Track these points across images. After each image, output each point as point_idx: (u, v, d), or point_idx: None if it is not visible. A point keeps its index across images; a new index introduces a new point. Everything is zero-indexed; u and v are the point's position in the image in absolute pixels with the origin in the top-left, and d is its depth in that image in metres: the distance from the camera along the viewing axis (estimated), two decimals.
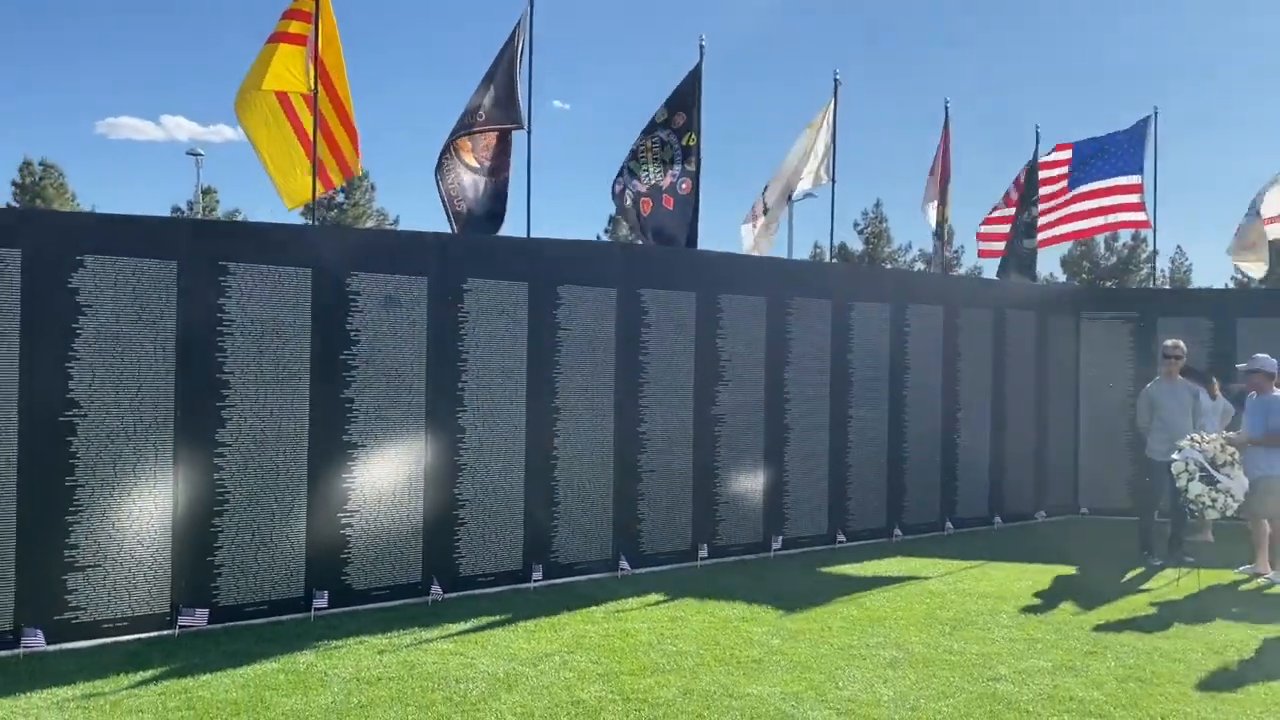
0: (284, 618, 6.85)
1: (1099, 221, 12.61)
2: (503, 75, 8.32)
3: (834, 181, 10.94)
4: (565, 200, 62.02)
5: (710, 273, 9.14)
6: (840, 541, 9.88)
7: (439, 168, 8.41)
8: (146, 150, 63.99)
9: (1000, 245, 12.83)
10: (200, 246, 6.65)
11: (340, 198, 44.47)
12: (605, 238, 44.05)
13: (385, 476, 7.26)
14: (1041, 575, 8.78)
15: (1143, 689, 5.70)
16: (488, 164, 8.47)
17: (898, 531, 10.34)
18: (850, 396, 10.05)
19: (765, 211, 11.46)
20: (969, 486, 11.06)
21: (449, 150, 8.33)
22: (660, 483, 8.69)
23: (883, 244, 49.79)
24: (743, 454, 9.21)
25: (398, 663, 5.98)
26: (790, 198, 11.37)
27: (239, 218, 44.55)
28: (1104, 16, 68.56)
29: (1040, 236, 12.52)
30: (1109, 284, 47.94)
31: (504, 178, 8.54)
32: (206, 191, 43.43)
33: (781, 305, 9.53)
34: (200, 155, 42.00)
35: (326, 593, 7.01)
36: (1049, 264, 42.96)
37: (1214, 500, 8.00)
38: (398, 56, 65.73)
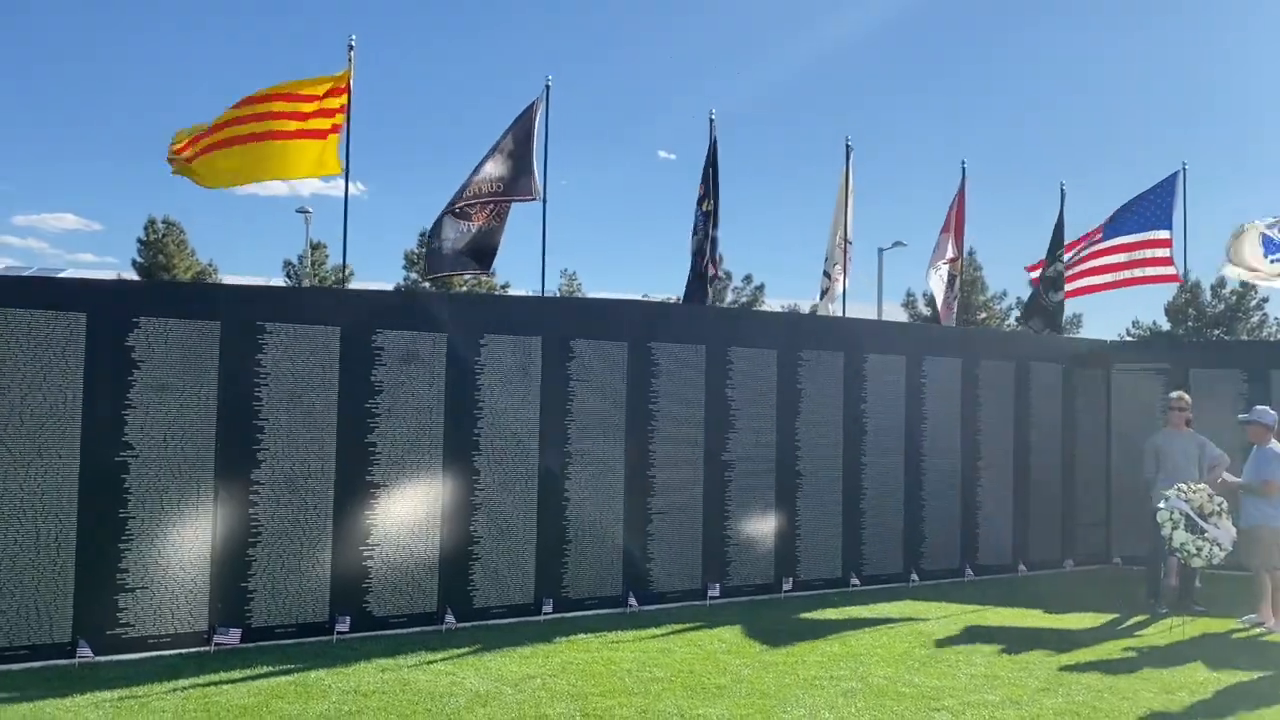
0: (309, 639, 7.65)
1: (1125, 275, 12.78)
2: (522, 149, 9.19)
3: (849, 243, 11.47)
4: (662, 249, 63.27)
5: (719, 327, 9.77)
6: (854, 585, 10.27)
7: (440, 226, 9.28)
8: (270, 205, 68.01)
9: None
10: (237, 309, 7.61)
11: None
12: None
13: (404, 513, 8.04)
14: (1039, 620, 9.04)
15: None
16: (482, 224, 9.34)
17: (914, 577, 10.66)
18: (864, 444, 10.49)
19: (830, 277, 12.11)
20: (990, 534, 11.31)
21: (456, 212, 9.19)
22: (671, 524, 9.27)
23: (977, 292, 49.52)
24: (752, 498, 9.73)
25: (395, 679, 6.70)
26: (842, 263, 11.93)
27: (347, 272, 46.99)
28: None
29: (1069, 287, 12.77)
30: (1216, 333, 46.60)
31: (494, 230, 9.36)
32: (316, 247, 45.83)
33: (793, 357, 10.08)
34: (309, 213, 44.37)
35: (348, 618, 7.79)
36: (1153, 312, 41.91)
37: (1199, 549, 8.19)
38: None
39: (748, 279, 47.84)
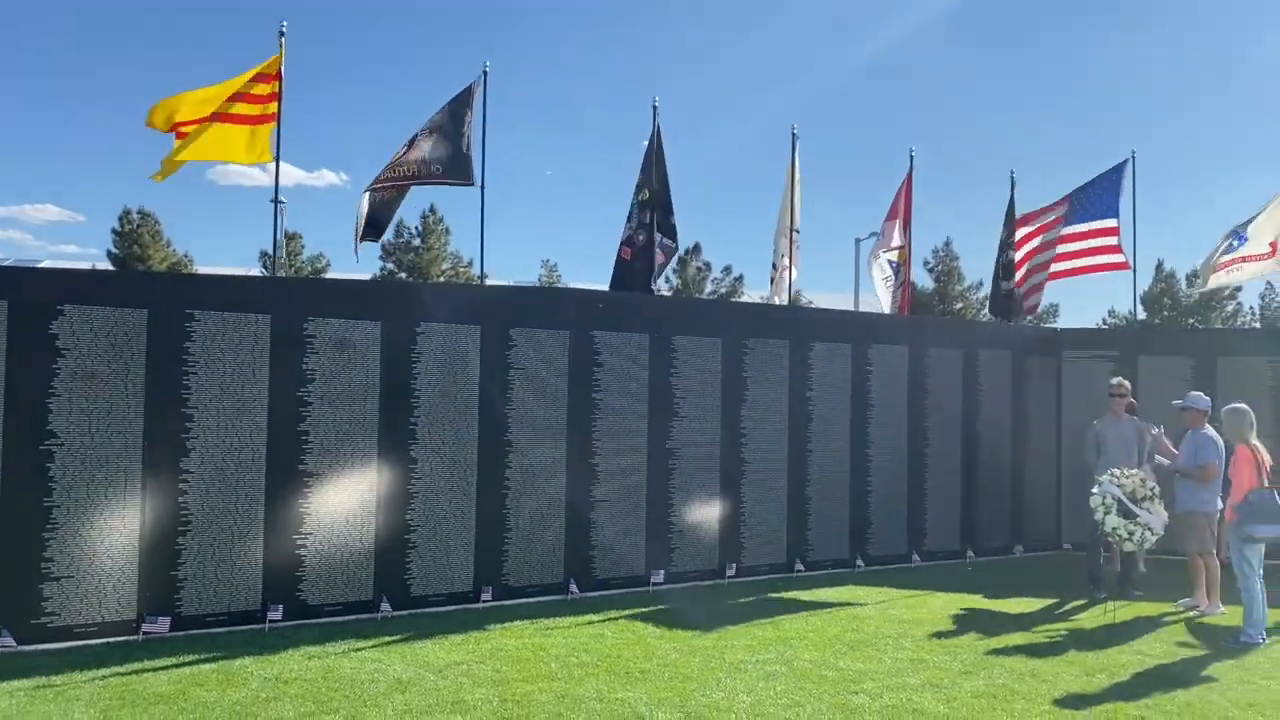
0: (241, 628, 7.64)
1: (1077, 264, 12.84)
2: (458, 134, 9.15)
3: (796, 231, 11.50)
4: None
5: (663, 316, 9.78)
6: (799, 571, 10.31)
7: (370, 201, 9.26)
8: (250, 196, 67.63)
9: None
10: (166, 296, 7.57)
11: (416, 241, 46.46)
12: (674, 279, 44.99)
13: (338, 501, 8.03)
14: (978, 605, 9.11)
15: (991, 704, 6.08)
16: (384, 197, 9.33)
17: (860, 562, 10.72)
18: (810, 431, 10.52)
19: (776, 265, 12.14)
20: (938, 520, 11.37)
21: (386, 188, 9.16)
22: (613, 511, 9.29)
23: (954, 282, 49.63)
24: (696, 486, 9.76)
25: (319, 667, 6.70)
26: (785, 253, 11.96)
27: (322, 263, 46.85)
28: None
29: (1031, 280, 12.84)
30: (1191, 321, 46.90)
31: (391, 202, 9.38)
32: (291, 237, 45.57)
33: (738, 345, 10.10)
34: (283, 203, 44.03)
35: (281, 606, 7.78)
36: (1128, 301, 42.12)
37: (1131, 533, 8.26)
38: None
39: (727, 270, 47.95)
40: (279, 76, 8.33)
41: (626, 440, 9.39)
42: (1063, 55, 68.05)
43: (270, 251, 45.95)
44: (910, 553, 11.13)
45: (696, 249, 47.64)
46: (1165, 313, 46.78)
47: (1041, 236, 12.81)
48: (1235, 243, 12.87)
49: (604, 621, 8.17)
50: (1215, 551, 8.82)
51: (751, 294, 42.80)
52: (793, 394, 10.45)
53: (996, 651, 7.37)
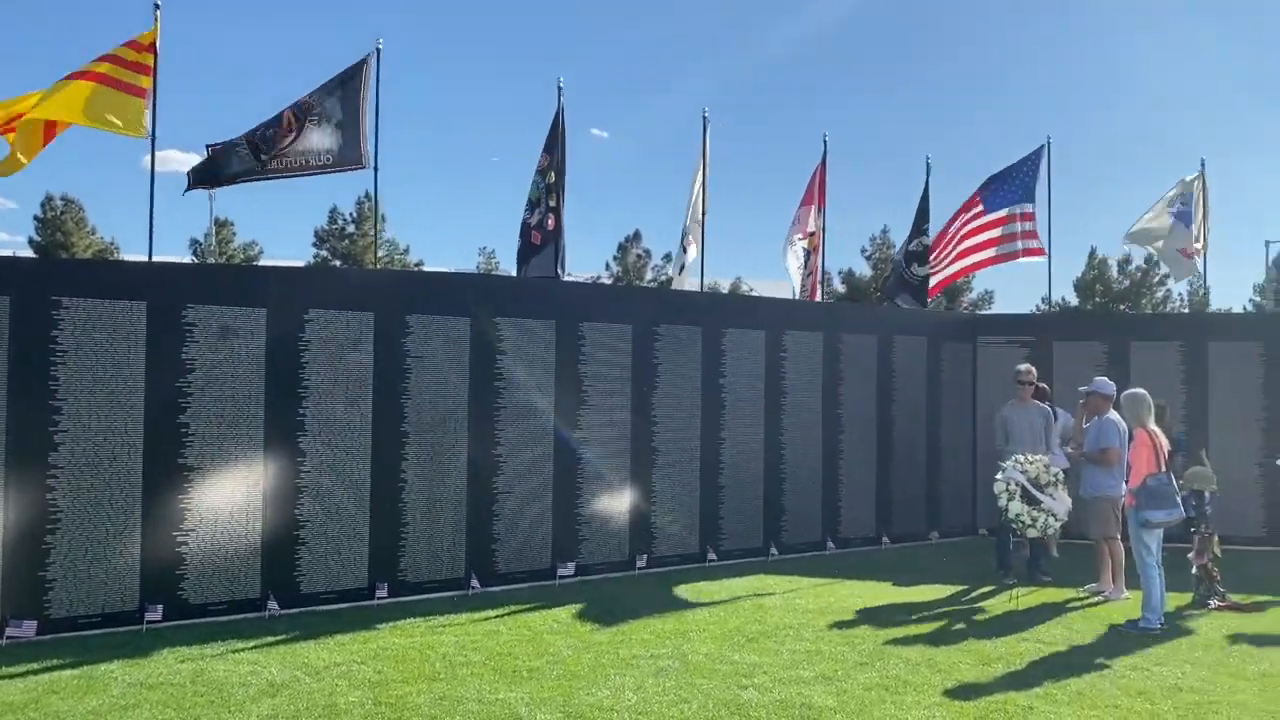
0: (117, 630, 7.29)
1: (993, 252, 12.83)
2: (351, 117, 8.83)
3: (705, 214, 11.35)
4: (587, 228, 62.89)
5: (571, 302, 9.54)
6: (711, 560, 10.16)
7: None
8: (180, 183, 66.02)
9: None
10: (30, 284, 7.17)
11: (350, 228, 45.63)
12: (614, 266, 44.73)
13: (222, 496, 7.70)
14: (886, 593, 9.03)
15: (881, 696, 5.96)
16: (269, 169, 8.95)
17: (774, 551, 10.61)
18: (723, 419, 10.37)
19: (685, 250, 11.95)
20: (853, 507, 11.31)
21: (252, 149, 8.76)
22: (517, 503, 9.05)
23: (887, 269, 50.02)
24: (606, 476, 9.55)
25: (190, 670, 6.39)
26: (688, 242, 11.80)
27: (255, 250, 45.83)
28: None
29: (952, 268, 12.82)
30: (1123, 307, 47.74)
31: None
32: (222, 225, 44.51)
33: (649, 332, 9.89)
34: (212, 191, 42.97)
35: (160, 606, 7.44)
36: (1061, 288, 42.73)
37: (1034, 519, 8.22)
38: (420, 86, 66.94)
39: (668, 257, 47.72)
40: (153, 49, 7.92)
41: (532, 430, 9.15)
42: (981, 42, 68.82)
43: (200, 239, 44.93)
44: (825, 540, 11.05)
45: (636, 236, 47.35)
46: (1096, 299, 47.55)
47: (960, 224, 12.76)
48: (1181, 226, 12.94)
49: (501, 617, 7.94)
50: (1120, 536, 8.82)
51: (693, 281, 42.73)
52: (705, 381, 10.28)
53: (896, 641, 7.27)
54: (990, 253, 12.86)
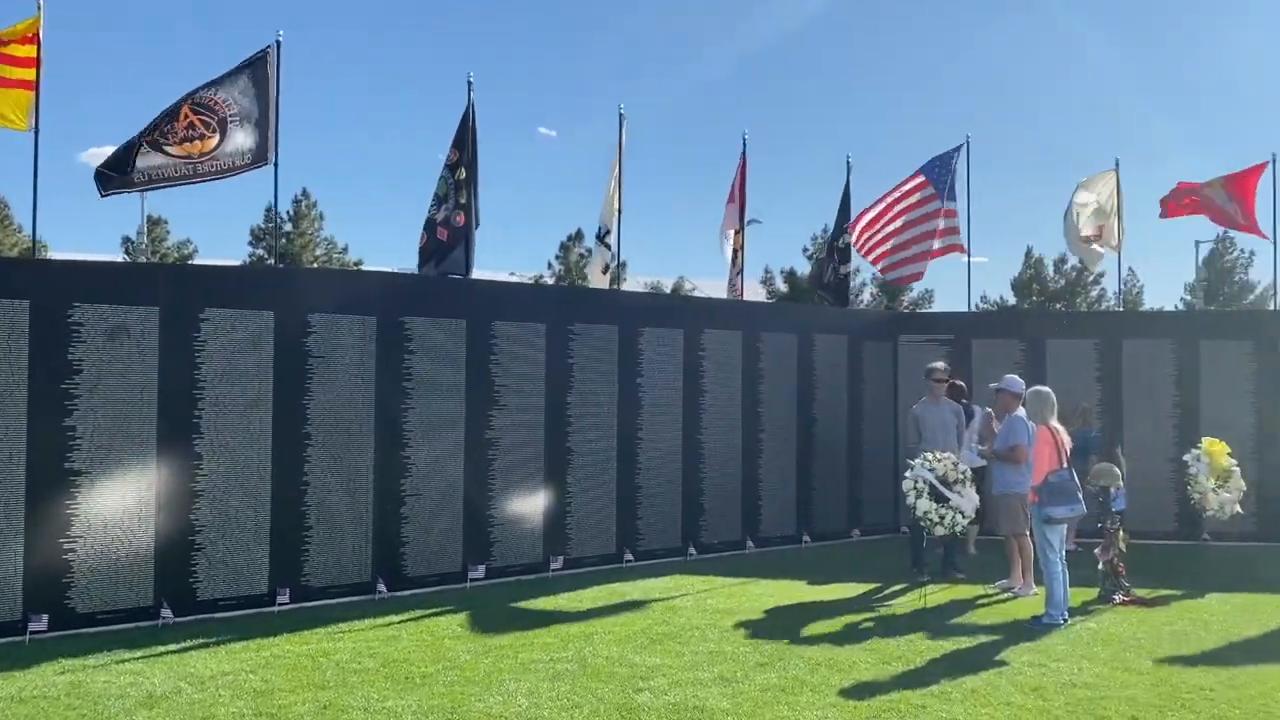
0: None
1: (921, 248, 12.84)
2: (263, 114, 8.62)
3: (620, 212, 11.28)
4: (532, 227, 62.51)
5: (482, 300, 9.40)
6: (629, 561, 10.08)
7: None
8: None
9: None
10: None
11: (288, 226, 44.88)
12: (557, 265, 44.51)
13: (112, 502, 7.44)
14: (799, 592, 9.01)
15: (776, 697, 5.90)
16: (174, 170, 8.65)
17: (692, 551, 10.55)
18: (640, 419, 10.28)
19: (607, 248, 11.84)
20: (774, 506, 11.29)
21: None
22: (427, 505, 8.88)
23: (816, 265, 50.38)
24: (518, 476, 9.42)
25: (68, 682, 6.15)
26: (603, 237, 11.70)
27: (190, 250, 44.90)
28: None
29: (895, 256, 12.77)
30: (1059, 306, 48.55)
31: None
32: (155, 223, 43.56)
33: (563, 331, 9.78)
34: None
35: (46, 616, 7.18)
36: (999, 287, 43.37)
37: (942, 517, 8.23)
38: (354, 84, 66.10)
39: (612, 257, 47.72)
40: (36, 40, 7.63)
41: (441, 430, 8.99)
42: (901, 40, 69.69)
43: (133, 238, 43.90)
44: (745, 540, 11.02)
45: (579, 235, 47.13)
46: (1034, 298, 48.30)
47: (906, 216, 12.68)
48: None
49: (405, 622, 7.78)
50: (1029, 532, 8.88)
51: (635, 280, 42.65)
52: (622, 380, 10.19)
53: (800, 641, 7.24)
54: (934, 244, 12.79)
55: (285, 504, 8.17)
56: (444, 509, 8.98)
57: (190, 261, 41.94)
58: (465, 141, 9.43)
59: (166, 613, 7.60)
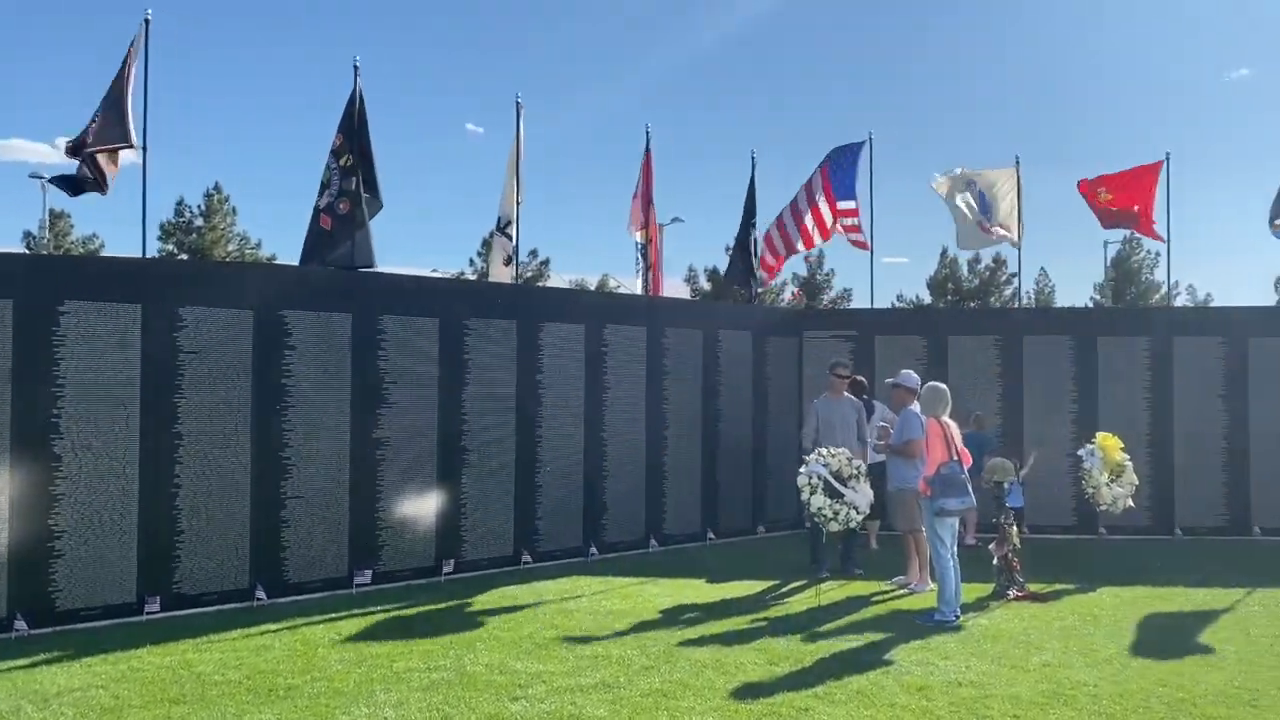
0: None
1: (821, 238, 12.81)
2: (117, 97, 8.18)
3: (519, 204, 11.03)
4: (458, 223, 61.73)
5: (370, 294, 9.05)
6: (526, 563, 9.81)
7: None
8: (18, 172, 62.21)
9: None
10: None
11: (199, 220, 43.56)
12: (479, 261, 43.91)
13: None
14: (696, 591, 8.85)
15: (658, 702, 5.71)
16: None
17: (594, 551, 10.33)
18: (540, 416, 10.02)
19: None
20: (678, 504, 11.12)
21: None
22: (310, 508, 8.51)
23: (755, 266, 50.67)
24: (409, 477, 9.09)
25: None
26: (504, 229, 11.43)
27: (96, 244, 43.32)
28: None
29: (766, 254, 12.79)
30: (972, 304, 49.44)
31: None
32: (58, 216, 41.95)
33: (458, 327, 9.47)
34: (44, 179, 40.56)
35: None
36: (915, 286, 43.98)
37: (836, 512, 8.13)
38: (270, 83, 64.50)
39: (534, 253, 47.18)
40: None
41: (325, 429, 8.62)
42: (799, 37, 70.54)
43: (34, 232, 42.20)
44: (648, 539, 10.84)
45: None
46: (949, 297, 49.13)
47: (792, 211, 12.67)
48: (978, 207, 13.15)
49: (280, 631, 7.41)
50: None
51: (560, 278, 42.29)
52: (521, 377, 9.92)
53: (689, 642, 7.05)
54: (817, 238, 12.77)
55: (154, 507, 7.75)
56: (328, 511, 8.62)
57: (100, 254, 40.53)
58: (351, 127, 9.06)
59: (21, 625, 7.14)
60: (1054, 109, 63.30)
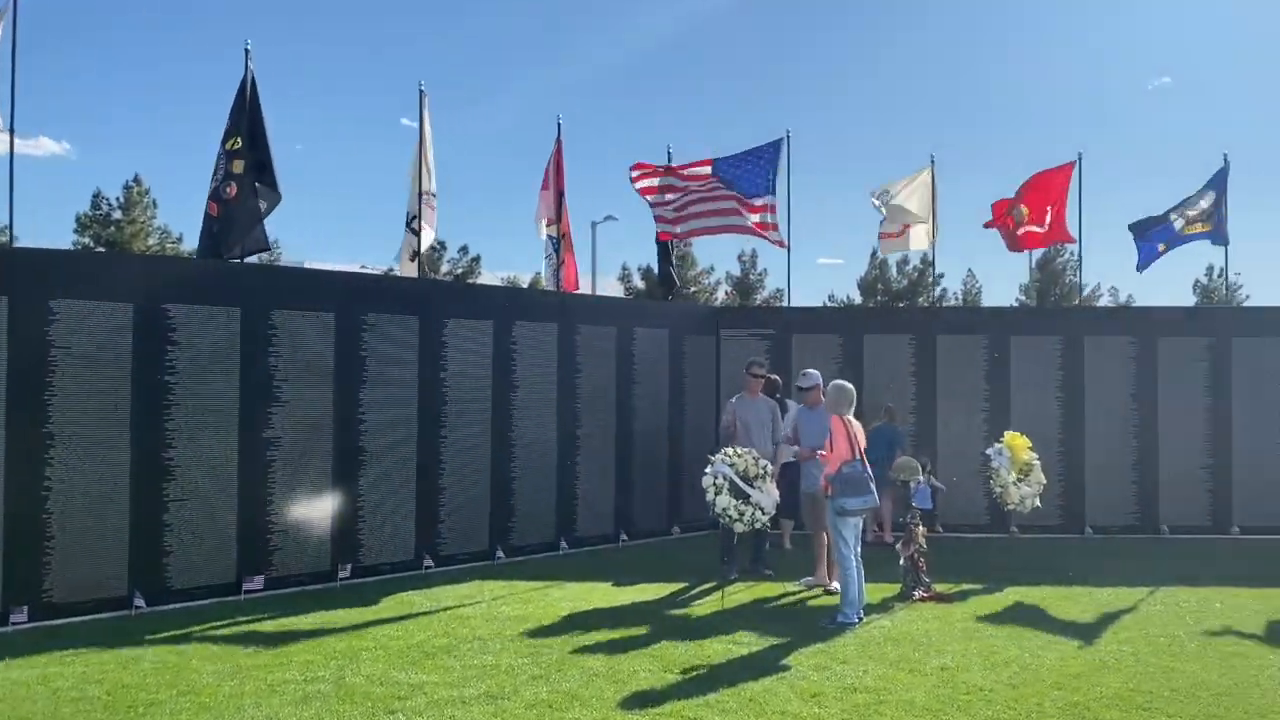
0: None
1: (739, 227, 12.61)
2: None
3: (433, 195, 10.70)
4: (387, 220, 60.77)
5: (259, 287, 8.67)
6: (429, 566, 9.49)
7: None
8: None
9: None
10: None
11: (118, 213, 42.22)
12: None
13: None
14: (601, 595, 8.62)
15: (543, 714, 5.47)
16: None
17: (500, 554, 10.04)
18: (445, 415, 9.71)
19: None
20: (590, 504, 10.89)
21: None
22: (193, 512, 8.11)
23: (687, 266, 50.56)
24: (304, 480, 8.73)
25: None
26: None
27: (3, 238, 41.73)
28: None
29: (684, 228, 12.50)
30: (901, 304, 49.98)
31: None
32: None
33: (354, 323, 9.12)
34: None
35: None
36: (845, 286, 44.35)
37: (741, 513, 7.97)
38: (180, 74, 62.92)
39: (464, 250, 46.60)
40: None
41: (210, 429, 8.22)
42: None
43: None
44: (559, 540, 10.58)
45: None
46: (879, 297, 49.59)
47: (683, 196, 12.37)
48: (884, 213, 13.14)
49: (156, 642, 7.01)
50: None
51: (489, 275, 41.79)
52: (423, 374, 9.59)
53: (585, 649, 6.81)
54: (728, 220, 12.52)
55: (22, 512, 7.30)
56: (214, 514, 8.23)
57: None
58: (241, 112, 8.67)
59: None
60: (979, 115, 64.28)
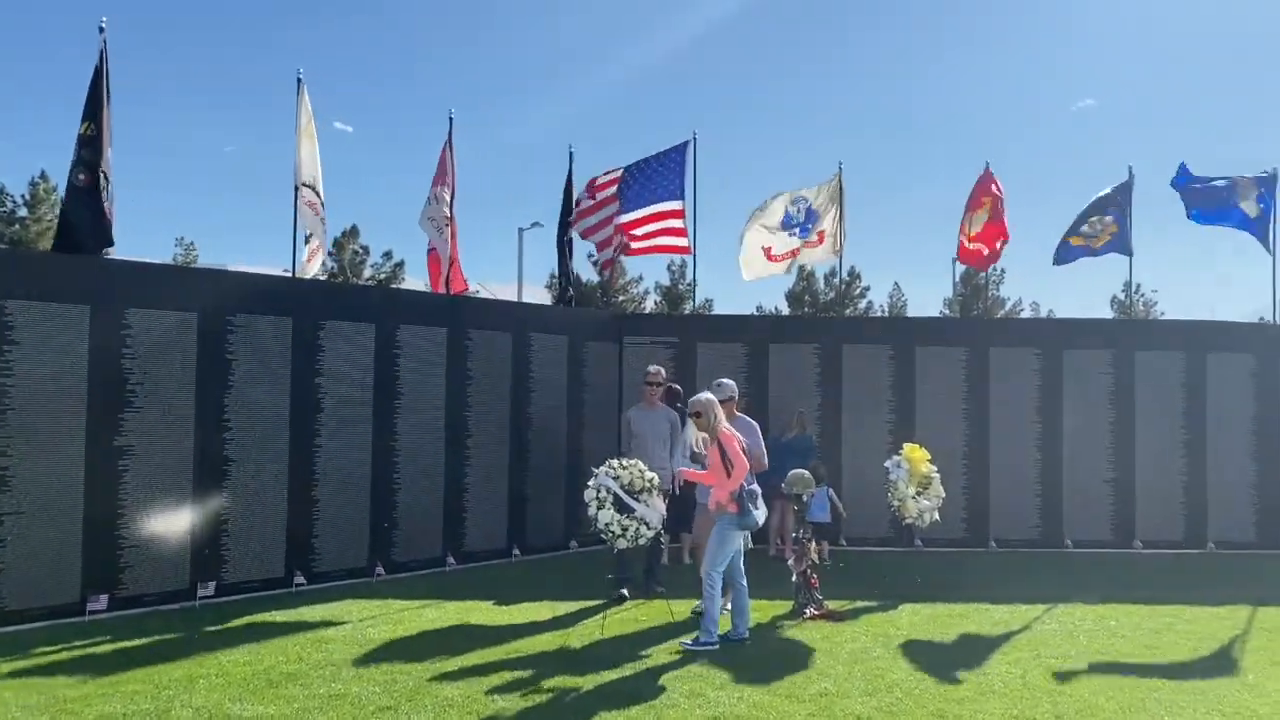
0: None
1: (644, 245, 12.39)
2: None
3: (313, 189, 10.17)
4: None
5: (113, 284, 8.05)
6: (300, 584, 8.91)
7: None
8: None
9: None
10: None
11: (22, 211, 40.57)
12: (330, 262, 42.15)
13: None
14: (481, 615, 8.16)
15: None
16: None
17: (380, 570, 9.50)
18: (319, 423, 9.16)
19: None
20: (480, 518, 10.40)
21: None
22: (28, 526, 7.45)
23: (617, 275, 50.23)
24: (160, 490, 8.11)
25: None
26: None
27: None
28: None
29: (605, 255, 12.32)
30: (829, 315, 50.26)
31: None
32: None
33: (220, 324, 8.54)
34: None
35: None
36: (774, 297, 44.40)
37: (625, 529, 7.56)
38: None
39: (388, 254, 45.59)
40: None
41: (53, 436, 7.59)
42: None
43: None
44: (445, 556, 10.07)
45: (354, 231, 44.93)
46: (806, 308, 49.80)
47: (600, 213, 12.15)
48: (798, 231, 12.92)
49: None
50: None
51: (414, 280, 40.96)
52: (296, 380, 9.03)
53: (445, 676, 6.32)
54: (641, 244, 12.36)
55: None
56: (55, 530, 7.58)
57: None
58: (95, 95, 8.06)
59: None
60: (904, 133, 65.09)
